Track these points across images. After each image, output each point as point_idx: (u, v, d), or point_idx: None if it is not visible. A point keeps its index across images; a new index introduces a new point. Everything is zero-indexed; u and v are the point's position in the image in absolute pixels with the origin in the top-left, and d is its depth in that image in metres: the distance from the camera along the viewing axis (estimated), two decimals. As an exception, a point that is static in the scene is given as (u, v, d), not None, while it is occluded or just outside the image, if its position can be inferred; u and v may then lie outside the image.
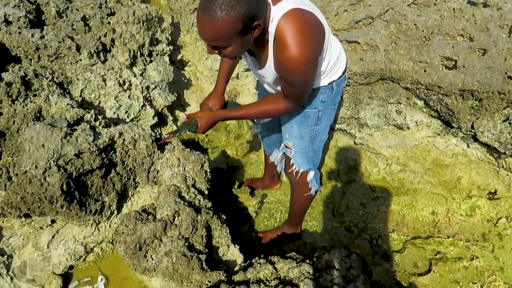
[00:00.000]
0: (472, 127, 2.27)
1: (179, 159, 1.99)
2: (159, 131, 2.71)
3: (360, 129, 2.58)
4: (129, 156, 1.98)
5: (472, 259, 2.35)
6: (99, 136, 1.91)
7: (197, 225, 1.76)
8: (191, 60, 3.24)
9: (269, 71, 1.55)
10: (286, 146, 2.01)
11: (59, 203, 1.78)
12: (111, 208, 1.99)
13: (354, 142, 2.73)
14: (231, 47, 1.30)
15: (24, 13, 2.53)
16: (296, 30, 1.29)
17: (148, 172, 2.03)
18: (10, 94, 2.22)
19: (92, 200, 1.91)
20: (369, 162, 2.71)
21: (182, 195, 1.89)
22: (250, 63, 1.70)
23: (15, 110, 2.16)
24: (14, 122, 2.07)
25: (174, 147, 2.04)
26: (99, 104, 2.47)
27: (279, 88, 1.62)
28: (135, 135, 1.99)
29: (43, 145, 1.76)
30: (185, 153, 1.99)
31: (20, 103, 2.16)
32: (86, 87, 2.45)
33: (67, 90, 2.50)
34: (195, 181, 1.98)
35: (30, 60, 2.51)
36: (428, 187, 2.56)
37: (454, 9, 2.65)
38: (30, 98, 2.27)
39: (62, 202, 1.77)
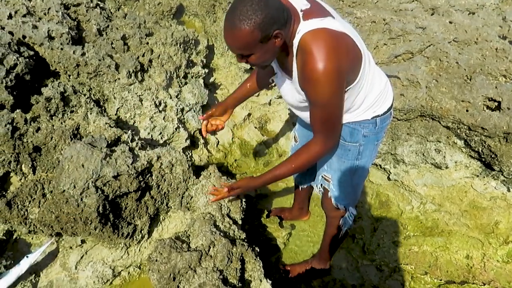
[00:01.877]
0: (516, 171, 2.19)
1: (215, 186, 1.95)
2: (190, 154, 2.69)
3: (395, 165, 2.52)
4: (164, 180, 1.95)
5: (510, 309, 2.24)
6: (137, 159, 1.88)
7: (232, 257, 1.70)
8: (223, 83, 3.24)
9: (293, 86, 1.53)
10: (324, 178, 1.95)
11: (93, 225, 1.74)
12: (142, 232, 1.94)
13: (388, 178, 2.67)
14: (254, 55, 1.35)
15: (66, 30, 2.57)
16: (323, 42, 1.29)
17: (182, 198, 1.99)
18: (48, 109, 2.23)
19: (125, 223, 1.87)
20: (402, 199, 2.64)
21: (217, 224, 1.84)
22: (280, 84, 1.66)
23: (53, 126, 2.16)
24: (52, 138, 2.07)
25: (210, 173, 2.00)
26: (133, 123, 2.46)
27: (306, 113, 1.55)
28: (172, 159, 1.96)
29: (82, 165, 1.74)
30: (222, 181, 1.95)
31: (59, 119, 2.16)
32: (122, 106, 2.45)
33: (103, 108, 2.50)
34: (230, 210, 1.94)
35: (69, 76, 2.53)
36: (464, 230, 2.47)
37: (496, 49, 2.61)
38: (68, 115, 2.27)
39: (97, 224, 1.73)
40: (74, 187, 1.71)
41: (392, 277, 2.36)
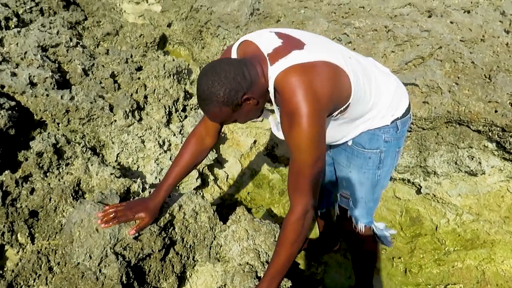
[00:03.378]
0: (557, 169, 2.05)
1: (247, 231, 1.71)
2: (201, 193, 2.44)
3: (426, 178, 2.34)
4: (189, 231, 1.70)
5: None
6: (157, 212, 1.63)
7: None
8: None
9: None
10: (342, 196, 1.79)
11: (116, 298, 1.47)
12: (170, 295, 1.68)
13: (416, 192, 2.49)
14: (238, 120, 1.38)
15: (49, 73, 2.33)
16: (294, 84, 1.24)
17: (210, 248, 1.74)
18: (41, 165, 1.95)
19: (150, 289, 1.60)
20: (434, 212, 2.46)
21: (259, 275, 1.60)
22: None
23: (49, 184, 1.88)
24: (50, 199, 1.79)
25: (239, 216, 1.76)
26: (137, 169, 2.21)
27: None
28: (195, 206, 1.72)
29: (97, 230, 1.47)
30: (255, 223, 1.72)
31: (55, 176, 1.89)
32: (122, 150, 2.20)
33: (101, 156, 2.24)
34: (268, 256, 1.70)
35: (58, 124, 2.27)
36: (508, 238, 2.31)
37: (507, 44, 2.51)
38: (63, 169, 2.00)
39: (120, 296, 1.46)
40: (90, 257, 1.44)
41: (443, 301, 2.16)
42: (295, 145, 1.28)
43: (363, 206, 1.75)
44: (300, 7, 3.26)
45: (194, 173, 2.28)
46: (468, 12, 3.03)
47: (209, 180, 2.52)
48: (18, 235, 1.80)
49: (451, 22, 2.81)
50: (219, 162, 2.70)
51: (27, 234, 1.79)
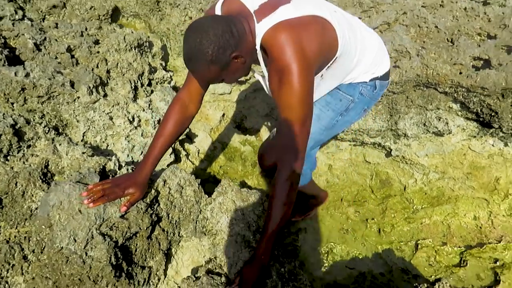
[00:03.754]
0: (515, 125, 2.19)
1: (234, 202, 1.68)
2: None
3: (396, 141, 2.42)
4: (174, 206, 1.64)
5: (529, 261, 2.26)
6: (140, 188, 1.55)
7: (285, 277, 1.46)
8: (187, 85, 2.91)
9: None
10: None
11: (105, 281, 1.39)
12: (158, 273, 1.62)
13: (385, 155, 2.57)
14: (225, 80, 1.34)
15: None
16: (283, 40, 1.22)
17: (196, 222, 1.70)
18: (0, 149, 1.78)
19: (138, 269, 1.54)
20: (402, 174, 2.56)
21: (252, 245, 1.58)
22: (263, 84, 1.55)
23: (12, 168, 1.73)
24: (16, 183, 1.65)
25: (226, 188, 1.72)
26: (107, 147, 2.09)
27: None
28: (180, 180, 1.65)
29: (80, 211, 1.37)
30: (243, 194, 1.68)
31: (19, 159, 1.74)
32: (89, 129, 2.06)
33: (64, 135, 2.08)
34: (258, 225, 1.68)
35: (12, 104, 2.07)
36: (470, 192, 2.46)
37: (465, 9, 2.61)
38: (25, 151, 1.84)
39: (110, 278, 1.39)
40: (75, 240, 1.34)
41: (415, 255, 2.27)
42: (286, 103, 1.26)
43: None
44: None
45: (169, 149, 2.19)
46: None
47: (181, 155, 2.44)
48: (-18, 225, 1.65)
49: (411, -12, 2.87)
50: (189, 137, 2.62)
51: (-8, 223, 1.64)
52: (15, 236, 1.61)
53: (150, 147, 1.52)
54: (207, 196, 1.73)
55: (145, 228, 1.51)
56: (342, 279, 2.18)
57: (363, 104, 1.67)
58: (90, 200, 1.37)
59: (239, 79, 1.52)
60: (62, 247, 1.34)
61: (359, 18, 2.57)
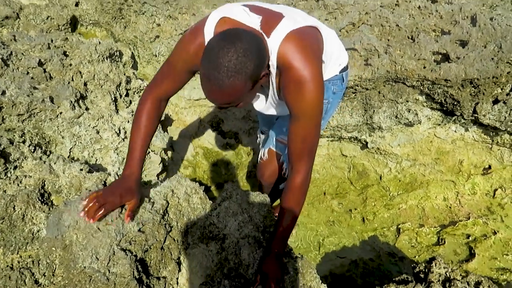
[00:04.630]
0: (475, 111, 2.42)
1: (240, 205, 1.72)
2: (163, 178, 2.35)
3: (371, 134, 2.58)
4: (183, 215, 1.65)
5: (495, 233, 2.51)
6: (151, 200, 1.55)
7: (298, 273, 1.53)
8: (160, 93, 2.89)
9: (268, 102, 1.52)
10: (279, 141, 1.88)
11: (128, 296, 1.38)
12: (172, 282, 1.63)
13: (361, 148, 2.73)
14: (242, 102, 1.28)
15: (-34, 67, 1.98)
16: (299, 51, 1.26)
17: (204, 228, 1.72)
18: (-13, 172, 1.69)
19: (154, 280, 1.53)
20: (377, 164, 2.73)
21: (264, 245, 1.63)
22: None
23: (5, 191, 1.65)
24: (14, 207, 1.57)
25: (230, 192, 1.75)
26: (96, 161, 2.03)
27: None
28: (187, 189, 1.66)
29: (98, 228, 1.35)
30: (249, 196, 1.73)
31: (12, 181, 1.66)
32: (75, 144, 2.00)
33: (47, 153, 2.00)
34: (265, 225, 1.73)
35: (-12, 124, 1.96)
36: (439, 176, 2.68)
37: (419, 7, 2.82)
38: (11, 172, 1.76)
39: (133, 293, 1.38)
40: (97, 258, 1.32)
41: (398, 239, 2.44)
42: (304, 111, 1.31)
43: None
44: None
45: (157, 159, 2.18)
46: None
47: (166, 163, 2.43)
48: (-23, 254, 1.56)
49: (367, -11, 3.05)
50: (171, 145, 2.61)
51: (-12, 251, 1.56)
52: (18, 262, 1.54)
53: (131, 149, 1.46)
54: (211, 202, 1.76)
55: (160, 240, 1.51)
56: (336, 268, 2.29)
57: (336, 100, 1.77)
58: (90, 216, 1.32)
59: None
60: (85, 267, 1.31)
61: (326, 20, 2.70)
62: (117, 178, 1.75)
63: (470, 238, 2.45)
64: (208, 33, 1.31)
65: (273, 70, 1.32)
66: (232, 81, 1.11)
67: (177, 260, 1.66)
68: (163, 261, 1.59)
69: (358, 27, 2.68)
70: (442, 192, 2.70)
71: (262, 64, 1.18)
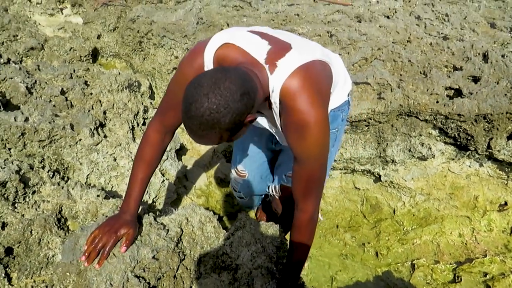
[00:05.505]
0: (489, 146, 2.42)
1: (253, 235, 1.71)
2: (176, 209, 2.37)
3: (384, 167, 2.57)
4: (196, 243, 1.65)
5: (513, 272, 2.44)
6: (166, 227, 1.56)
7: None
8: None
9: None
10: (289, 177, 1.75)
11: (139, 325, 1.37)
12: (183, 313, 1.61)
13: (374, 181, 2.72)
14: (228, 140, 1.18)
15: (-7, 94, 2.06)
16: (304, 91, 1.16)
17: (217, 258, 1.71)
18: (6, 196, 1.73)
19: (166, 309, 1.52)
20: (391, 197, 2.71)
21: (277, 277, 1.61)
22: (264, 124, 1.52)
23: (23, 215, 1.68)
24: (31, 231, 1.60)
25: (244, 222, 1.76)
26: (112, 188, 2.06)
27: None
28: (201, 217, 1.67)
29: (114, 254, 1.36)
30: (262, 226, 1.73)
31: (31, 206, 1.69)
32: (92, 171, 2.04)
33: (66, 178, 2.04)
34: (278, 256, 1.72)
35: (10, 149, 2.02)
36: (454, 211, 2.64)
37: (431, 44, 2.88)
38: (29, 197, 1.79)
39: (145, 322, 1.37)
40: (111, 284, 1.32)
41: (413, 275, 2.39)
42: (307, 154, 1.24)
43: None
44: (240, 15, 3.34)
45: (171, 187, 2.20)
46: (388, 17, 3.41)
47: (180, 192, 2.45)
48: (-9, 278, 1.57)
49: (380, 26, 3.14)
50: (186, 174, 2.63)
51: (3, 275, 1.58)
52: (32, 286, 1.55)
53: (130, 185, 1.46)
54: (225, 231, 1.76)
55: (173, 268, 1.51)
56: (349, 304, 2.24)
57: (343, 126, 1.73)
58: (90, 261, 1.34)
59: None
60: (98, 293, 1.31)
61: (339, 54, 2.77)
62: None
63: (488, 276, 2.39)
64: (208, 58, 1.24)
65: (276, 108, 1.24)
66: (207, 134, 1.07)
67: (189, 290, 1.65)
68: (175, 290, 1.58)
69: (371, 62, 2.74)
70: (457, 228, 2.66)
71: (244, 112, 1.07)
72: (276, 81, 1.17)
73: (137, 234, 1.46)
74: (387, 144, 2.48)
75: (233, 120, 1.05)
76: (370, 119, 2.46)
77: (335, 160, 2.62)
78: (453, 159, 2.61)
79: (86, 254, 1.35)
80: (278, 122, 1.31)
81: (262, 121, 1.49)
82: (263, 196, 2.25)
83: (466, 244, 2.63)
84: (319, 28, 3.03)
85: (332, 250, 2.52)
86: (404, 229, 2.65)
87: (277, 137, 1.60)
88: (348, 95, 1.60)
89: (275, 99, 1.20)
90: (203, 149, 2.85)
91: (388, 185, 2.67)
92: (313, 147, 1.23)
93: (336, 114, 1.59)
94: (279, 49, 1.22)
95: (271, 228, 1.75)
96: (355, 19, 3.34)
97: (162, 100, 1.44)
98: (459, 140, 2.49)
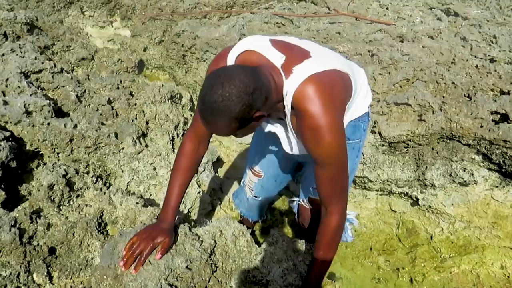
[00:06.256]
0: (538, 176, 2.31)
1: (285, 252, 1.72)
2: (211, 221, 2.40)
3: (423, 190, 2.51)
4: (228, 256, 1.67)
5: (560, 310, 2.29)
6: (200, 238, 1.59)
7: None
8: (213, 136, 3.01)
9: (295, 142, 1.45)
10: (315, 189, 1.80)
11: (169, 333, 1.40)
12: (212, 325, 1.62)
13: (411, 204, 2.65)
14: (237, 136, 1.26)
15: (47, 101, 2.19)
16: (317, 96, 1.20)
17: (248, 272, 1.72)
18: (53, 198, 1.83)
19: (196, 320, 1.54)
20: (428, 223, 2.63)
21: (306, 295, 1.61)
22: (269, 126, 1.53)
23: (67, 217, 1.77)
24: (74, 234, 1.68)
25: (276, 238, 1.77)
26: (150, 196, 2.13)
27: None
28: (234, 231, 1.70)
29: (149, 262, 1.40)
30: (294, 244, 1.73)
31: (74, 209, 1.78)
32: (133, 179, 2.11)
33: (107, 185, 2.13)
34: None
35: (58, 154, 2.14)
36: (496, 241, 2.52)
37: (476, 66, 2.80)
38: (73, 201, 1.89)
39: (175, 330, 1.40)
40: (145, 291, 1.36)
41: (449, 305, 2.29)
42: (326, 156, 1.27)
43: None
44: (281, 32, 3.39)
45: (207, 199, 2.25)
46: (432, 38, 3.34)
47: (214, 204, 2.48)
48: (34, 275, 1.66)
49: (423, 47, 3.09)
50: (220, 186, 2.67)
51: (45, 273, 1.66)
52: (70, 286, 1.62)
53: (168, 196, 1.54)
54: (257, 246, 1.77)
55: (205, 279, 1.53)
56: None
57: (365, 136, 1.73)
58: (128, 267, 1.39)
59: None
60: (133, 298, 1.35)
61: (380, 74, 2.75)
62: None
63: (531, 313, 2.25)
64: (230, 60, 1.32)
65: (288, 112, 1.28)
66: (216, 120, 1.13)
67: (219, 302, 1.66)
68: (205, 301, 1.60)
69: (413, 82, 2.69)
70: (499, 259, 2.53)
71: (253, 106, 1.14)
72: (290, 86, 1.22)
73: (172, 243, 1.50)
74: (426, 167, 2.41)
75: (243, 111, 1.12)
76: (410, 141, 2.41)
77: (371, 181, 2.58)
78: (497, 186, 2.50)
79: (124, 259, 1.40)
80: (289, 126, 1.36)
81: (276, 129, 1.51)
82: (265, 213, 2.30)
83: (508, 277, 2.50)
84: (360, 47, 3.02)
85: (364, 273, 2.46)
86: (442, 256, 2.55)
87: (290, 147, 1.56)
88: (369, 107, 1.63)
89: (287, 102, 1.25)
90: (239, 162, 2.88)
91: (426, 209, 2.59)
92: (329, 150, 1.26)
93: (358, 124, 1.61)
94: (298, 56, 1.28)
95: (303, 246, 1.74)
96: (397, 38, 3.30)
97: (195, 110, 1.52)
98: (504, 167, 2.38)
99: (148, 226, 1.53)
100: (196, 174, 2.31)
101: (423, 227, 2.63)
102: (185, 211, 2.14)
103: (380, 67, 2.80)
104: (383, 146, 2.56)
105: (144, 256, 1.41)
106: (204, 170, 2.38)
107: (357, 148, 1.69)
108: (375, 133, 2.58)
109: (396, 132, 2.45)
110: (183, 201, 2.14)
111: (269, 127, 1.50)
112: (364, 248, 2.58)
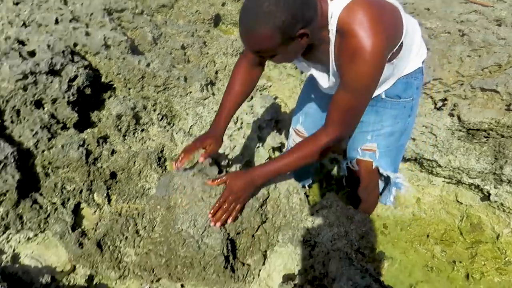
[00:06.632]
0: None
1: (338, 218, 1.65)
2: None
3: (497, 186, 2.29)
4: (280, 210, 1.64)
5: None
6: (254, 187, 1.57)
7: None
8: (280, 96, 2.96)
9: (330, 78, 1.36)
10: (365, 150, 1.73)
11: (212, 269, 1.41)
12: (254, 272, 1.62)
13: (481, 199, 2.44)
14: (276, 57, 1.20)
15: (125, 37, 2.25)
16: (363, 17, 1.12)
17: (297, 230, 1.69)
18: (119, 128, 1.89)
19: (239, 264, 1.54)
20: (497, 221, 2.41)
21: (353, 264, 1.54)
22: (305, 67, 1.49)
23: (130, 147, 1.82)
24: (135, 162, 1.73)
25: (331, 202, 1.71)
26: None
27: None
28: (289, 186, 1.66)
29: (202, 198, 1.41)
30: (348, 211, 1.66)
31: (137, 140, 1.83)
32: (196, 123, 2.13)
33: (171, 124, 2.17)
34: (360, 244, 1.64)
35: (129, 89, 2.20)
36: None
37: None
38: (138, 133, 1.94)
39: (218, 268, 1.41)
40: (195, 225, 1.38)
41: (506, 310, 2.11)
42: (354, 82, 1.20)
43: (389, 154, 1.72)
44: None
45: (265, 154, 2.22)
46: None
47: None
48: (95, 194, 1.74)
49: (524, 32, 2.76)
50: (280, 145, 2.63)
51: (104, 194, 1.73)
52: (126, 211, 1.68)
53: (221, 107, 1.57)
54: (309, 206, 1.72)
55: (253, 226, 1.52)
56: (424, 319, 2.06)
57: (419, 95, 1.62)
58: (177, 164, 1.45)
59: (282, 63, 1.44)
60: (182, 229, 1.37)
61: (468, 56, 2.51)
62: (227, 159, 1.81)
63: None
64: None
65: (332, 36, 1.20)
66: (258, 28, 1.06)
67: (264, 253, 1.65)
68: (251, 249, 1.60)
69: (505, 69, 2.43)
70: None
71: (299, 20, 1.07)
72: (336, 7, 1.15)
73: (217, 149, 1.57)
74: (506, 161, 2.19)
75: (289, 22, 1.05)
76: (492, 130, 2.19)
77: (440, 166, 2.40)
78: None
79: (179, 159, 1.47)
80: (331, 56, 1.27)
81: (315, 72, 1.47)
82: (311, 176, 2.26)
83: None
84: (449, 25, 2.77)
85: (417, 258, 2.33)
86: (506, 259, 2.34)
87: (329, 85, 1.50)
88: (423, 63, 1.53)
89: (332, 26, 1.17)
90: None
91: (497, 206, 2.37)
92: (362, 76, 1.18)
93: (410, 81, 1.52)
94: None
95: (358, 215, 1.66)
96: (494, 22, 2.98)
97: None
98: None
99: (200, 135, 1.60)
100: (259, 130, 2.28)
101: (490, 225, 2.43)
102: (243, 163, 2.13)
103: (469, 49, 2.55)
104: (460, 132, 2.36)
105: (187, 154, 1.47)
106: (266, 126, 2.35)
107: (409, 107, 1.59)
108: (453, 116, 2.38)
109: (478, 118, 2.24)
110: (242, 153, 2.13)
111: (309, 69, 1.47)
112: (421, 234, 2.44)
